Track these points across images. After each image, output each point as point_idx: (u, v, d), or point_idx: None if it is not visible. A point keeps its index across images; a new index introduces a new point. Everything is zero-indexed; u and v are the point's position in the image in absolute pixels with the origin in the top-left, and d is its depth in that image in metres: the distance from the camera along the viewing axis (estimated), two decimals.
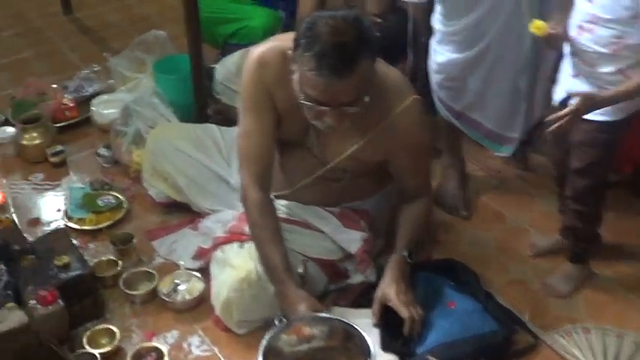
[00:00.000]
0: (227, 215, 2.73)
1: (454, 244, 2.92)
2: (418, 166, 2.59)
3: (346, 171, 2.56)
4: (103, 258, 2.76)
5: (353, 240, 2.58)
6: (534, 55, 2.81)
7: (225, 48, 3.66)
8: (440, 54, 2.88)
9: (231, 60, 3.47)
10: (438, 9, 2.80)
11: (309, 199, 2.63)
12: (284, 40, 2.40)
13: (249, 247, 2.48)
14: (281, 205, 2.61)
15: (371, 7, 3.30)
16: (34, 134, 3.34)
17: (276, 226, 2.46)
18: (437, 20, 2.83)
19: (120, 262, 2.73)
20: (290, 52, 2.25)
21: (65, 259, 2.50)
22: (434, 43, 2.89)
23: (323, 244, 2.58)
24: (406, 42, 3.16)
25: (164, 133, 3.01)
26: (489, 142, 3.08)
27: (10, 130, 3.42)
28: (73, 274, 2.47)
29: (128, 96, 3.49)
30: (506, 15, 2.70)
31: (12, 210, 2.96)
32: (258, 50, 2.46)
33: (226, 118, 3.42)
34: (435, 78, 2.95)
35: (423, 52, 3.01)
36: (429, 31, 2.93)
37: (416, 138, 2.49)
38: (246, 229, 2.52)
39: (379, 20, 3.14)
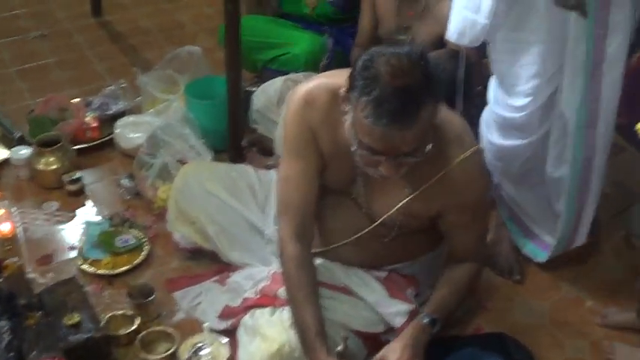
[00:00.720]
0: (259, 272, 2.48)
1: (503, 312, 2.66)
2: (472, 225, 2.33)
3: (395, 226, 2.29)
4: (118, 312, 2.49)
5: (398, 313, 2.32)
6: None
7: (264, 73, 3.40)
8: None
9: (273, 87, 3.22)
10: None
11: (351, 258, 2.37)
12: (334, 77, 2.17)
13: (284, 314, 2.24)
14: (319, 265, 2.34)
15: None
16: (51, 159, 3.07)
17: (314, 285, 2.22)
18: None
19: (137, 319, 2.46)
20: (343, 90, 2.00)
21: (76, 317, 2.26)
22: None
23: (365, 315, 2.32)
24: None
25: (194, 173, 2.74)
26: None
27: (25, 151, 3.15)
28: (83, 336, 2.24)
29: (157, 120, 3.24)
30: None
31: (21, 242, 2.73)
32: (305, 87, 2.21)
33: (262, 149, 3.21)
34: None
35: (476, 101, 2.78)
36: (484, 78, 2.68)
37: (474, 194, 2.24)
38: (281, 292, 2.28)
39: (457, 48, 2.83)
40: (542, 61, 2.40)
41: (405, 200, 2.20)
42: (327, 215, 2.36)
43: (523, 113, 2.52)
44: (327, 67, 3.23)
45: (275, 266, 2.39)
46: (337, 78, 2.13)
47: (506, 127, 2.60)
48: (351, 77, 1.96)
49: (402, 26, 3.07)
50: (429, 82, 1.92)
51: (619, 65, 2.39)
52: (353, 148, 2.01)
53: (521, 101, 2.50)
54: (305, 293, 2.18)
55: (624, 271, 2.84)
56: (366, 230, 2.29)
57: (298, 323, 2.16)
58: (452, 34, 2.47)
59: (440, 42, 2.89)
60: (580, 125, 2.45)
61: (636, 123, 2.42)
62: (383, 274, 2.39)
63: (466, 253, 2.36)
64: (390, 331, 2.32)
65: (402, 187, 2.18)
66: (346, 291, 2.34)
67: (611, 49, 2.34)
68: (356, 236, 2.31)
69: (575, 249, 2.81)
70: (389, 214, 2.23)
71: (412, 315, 2.31)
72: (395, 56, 1.91)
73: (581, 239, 2.73)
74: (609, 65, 2.37)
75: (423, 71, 1.91)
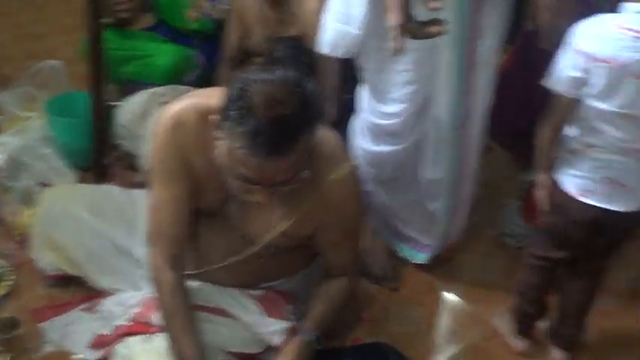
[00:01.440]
0: (131, 298, 2.38)
1: (380, 322, 2.67)
2: (347, 242, 2.31)
3: (272, 247, 2.25)
4: None
5: (276, 332, 2.27)
6: None
7: (128, 86, 3.28)
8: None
9: (136, 101, 3.09)
10: None
11: (226, 279, 2.31)
12: (202, 97, 2.10)
13: (159, 341, 2.15)
14: (193, 288, 2.27)
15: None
16: None
17: (191, 312, 2.15)
18: None
19: (4, 356, 2.32)
20: (215, 118, 1.92)
21: None
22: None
23: (243, 336, 2.27)
24: None
25: (58, 196, 2.63)
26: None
27: None
28: None
29: (16, 140, 3.07)
30: None
31: None
32: (172, 110, 2.11)
33: (129, 165, 3.08)
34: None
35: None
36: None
37: (349, 210, 2.22)
38: (154, 318, 2.19)
39: None
40: (415, 68, 2.41)
41: (282, 224, 2.15)
42: (201, 237, 2.29)
43: (397, 120, 2.53)
44: (195, 83, 3.15)
45: (146, 291, 2.31)
46: (206, 98, 2.06)
47: (380, 133, 2.61)
48: (224, 107, 1.87)
49: (271, 36, 3.00)
50: (306, 110, 1.85)
51: (491, 67, 2.43)
52: (228, 177, 1.95)
53: (395, 108, 2.51)
54: (182, 322, 2.10)
55: (497, 270, 2.91)
56: (242, 254, 2.24)
57: (176, 353, 2.09)
58: (325, 46, 2.43)
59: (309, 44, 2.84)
60: (455, 126, 2.48)
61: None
62: (259, 292, 2.35)
63: (343, 268, 2.34)
64: (270, 351, 2.28)
65: (276, 208, 2.13)
66: (223, 313, 2.28)
67: (484, 50, 2.38)
68: (232, 260, 2.25)
69: (448, 251, 2.87)
70: (268, 238, 2.19)
71: (290, 332, 2.28)
72: (269, 84, 1.83)
73: (457, 234, 2.81)
74: (482, 67, 2.40)
75: (300, 98, 1.84)
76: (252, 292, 2.34)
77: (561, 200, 2.29)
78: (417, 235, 2.84)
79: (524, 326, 2.61)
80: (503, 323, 2.65)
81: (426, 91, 2.48)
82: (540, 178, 2.34)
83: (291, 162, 1.87)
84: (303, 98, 1.84)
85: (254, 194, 1.95)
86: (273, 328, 2.27)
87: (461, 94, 2.44)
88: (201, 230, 2.27)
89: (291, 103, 1.81)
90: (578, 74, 2.10)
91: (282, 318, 2.31)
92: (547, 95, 2.21)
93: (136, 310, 2.29)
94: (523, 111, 2.76)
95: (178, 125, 2.08)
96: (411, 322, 2.68)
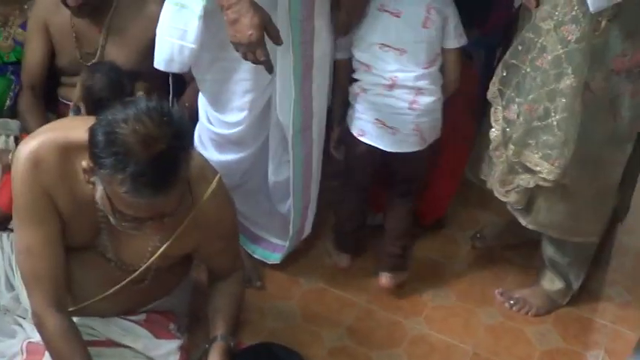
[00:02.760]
0: (9, 347, 2.24)
1: (257, 322, 2.69)
2: (230, 245, 2.35)
3: (150, 271, 2.21)
4: None
5: (169, 352, 2.28)
6: None
7: None
8: None
9: None
10: None
11: (107, 310, 2.26)
12: (59, 131, 2.03)
13: None
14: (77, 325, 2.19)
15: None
16: None
17: (85, 352, 2.07)
18: None
19: None
20: (86, 164, 1.85)
21: None
22: None
23: None
24: None
25: None
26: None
27: None
28: None
29: None
30: None
31: None
32: (28, 148, 2.00)
33: None
34: None
35: None
36: None
37: (228, 221, 2.26)
38: None
39: None
40: (254, 75, 2.44)
41: (160, 247, 2.12)
42: (76, 272, 2.21)
43: (240, 128, 2.55)
44: (14, 107, 3.00)
45: (23, 336, 2.23)
46: (62, 131, 2.01)
47: (224, 143, 2.62)
48: (94, 154, 1.79)
49: (88, 52, 2.85)
50: (180, 137, 1.82)
51: (326, 69, 2.50)
52: (113, 220, 1.91)
53: (237, 116, 2.53)
54: None
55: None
56: (121, 284, 2.18)
57: None
58: (159, 62, 2.40)
59: (138, 61, 2.78)
60: (297, 129, 2.54)
61: None
62: (142, 317, 2.32)
63: (230, 268, 2.37)
64: None
65: (150, 234, 2.09)
66: (111, 344, 2.24)
67: (318, 54, 2.44)
68: (111, 291, 2.19)
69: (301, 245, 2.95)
70: (146, 264, 2.15)
71: (184, 350, 2.29)
72: (137, 122, 1.77)
73: (307, 231, 2.87)
74: (317, 70, 2.47)
75: (171, 128, 1.79)
76: (134, 317, 2.31)
77: (349, 141, 2.64)
78: (269, 236, 2.88)
79: (345, 242, 2.91)
80: (327, 244, 2.96)
81: (267, 97, 2.52)
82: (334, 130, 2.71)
83: (176, 192, 1.86)
84: (174, 126, 1.80)
85: (145, 229, 1.93)
86: (165, 350, 2.27)
87: (300, 97, 2.50)
88: (74, 266, 2.19)
89: (165, 136, 1.77)
90: None
91: (171, 337, 2.31)
92: None
93: (20, 357, 2.19)
94: None
95: (38, 163, 1.99)
96: (285, 317, 2.73)
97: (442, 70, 2.58)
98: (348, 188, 2.82)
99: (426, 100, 2.52)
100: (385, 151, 2.59)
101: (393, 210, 2.81)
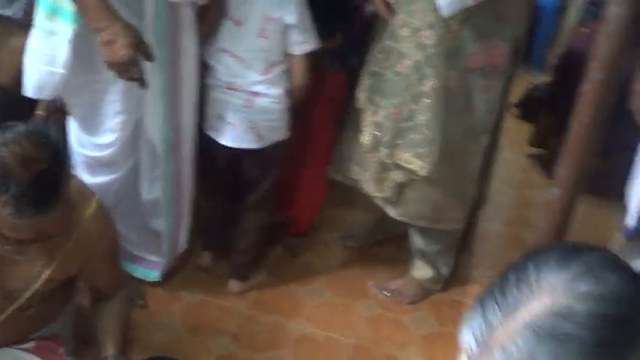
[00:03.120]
0: None
1: (145, 338, 2.73)
2: (113, 263, 2.35)
3: (37, 296, 2.19)
4: None
5: None
6: None
7: None
8: None
9: None
10: None
11: None
12: None
13: None
14: None
15: None
16: None
17: None
18: None
19: None
20: None
21: None
22: None
23: None
24: None
25: None
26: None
27: None
28: None
29: None
30: None
31: None
32: None
33: None
34: None
35: None
36: None
37: (110, 239, 2.25)
38: None
39: None
40: (125, 97, 2.48)
41: (45, 273, 2.09)
42: None
43: (111, 149, 2.59)
44: None
45: None
46: None
47: (95, 165, 2.64)
48: None
49: None
50: (59, 157, 1.84)
51: (194, 85, 2.57)
52: None
53: (108, 138, 2.56)
54: None
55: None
56: (7, 313, 2.14)
57: None
58: (29, 89, 2.39)
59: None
60: (167, 146, 2.59)
61: None
62: (32, 344, 2.28)
63: (113, 289, 2.36)
64: None
65: (34, 259, 2.06)
66: None
67: (186, 72, 2.51)
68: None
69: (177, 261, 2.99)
70: (30, 291, 2.12)
71: None
72: (16, 145, 1.77)
73: (183, 246, 2.91)
74: (185, 87, 2.55)
75: (50, 148, 1.81)
76: (25, 346, 2.27)
77: (202, 138, 2.74)
78: (146, 254, 2.92)
79: (207, 240, 3.04)
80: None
81: (137, 116, 2.57)
82: None
83: (60, 211, 1.86)
84: (52, 147, 1.83)
85: (30, 253, 1.93)
86: None
87: (169, 115, 2.55)
88: None
89: (44, 156, 1.79)
90: None
91: None
92: None
93: None
94: None
95: None
96: (170, 331, 2.78)
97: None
98: (207, 185, 2.90)
99: (262, 100, 2.61)
100: (231, 149, 2.69)
101: (245, 223, 2.91)
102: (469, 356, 1.08)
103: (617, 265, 1.08)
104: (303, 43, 2.58)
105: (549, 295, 1.02)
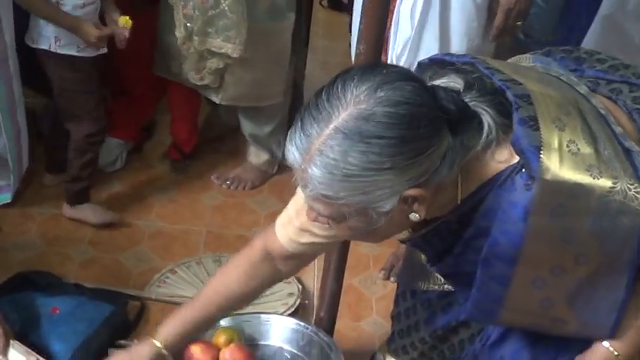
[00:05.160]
0: None
1: (6, 259, 2.77)
2: None
3: None
4: None
5: None
6: None
7: None
8: None
9: None
10: None
11: None
12: None
13: None
14: None
15: None
16: None
17: None
18: None
19: None
20: None
21: None
22: None
23: None
24: None
25: None
26: None
27: None
28: None
29: None
30: None
31: None
32: None
33: None
34: None
35: None
36: None
37: None
38: None
39: None
40: None
41: None
42: None
43: None
44: None
45: None
46: None
47: None
48: None
49: None
50: None
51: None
52: None
53: None
54: None
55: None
56: None
57: None
58: None
59: None
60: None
61: None
62: None
63: None
64: None
65: None
66: None
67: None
68: None
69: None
70: None
71: None
72: None
73: (26, 163, 2.98)
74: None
75: None
76: None
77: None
78: None
79: (50, 162, 3.08)
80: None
81: None
82: None
83: None
84: None
85: None
86: None
87: (11, 128, 2.72)
88: None
89: None
90: None
91: None
92: None
93: None
94: None
95: None
96: (30, 248, 2.84)
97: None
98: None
99: None
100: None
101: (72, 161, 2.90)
102: (295, 169, 1.33)
103: (411, 77, 1.36)
104: None
105: (354, 103, 1.29)
